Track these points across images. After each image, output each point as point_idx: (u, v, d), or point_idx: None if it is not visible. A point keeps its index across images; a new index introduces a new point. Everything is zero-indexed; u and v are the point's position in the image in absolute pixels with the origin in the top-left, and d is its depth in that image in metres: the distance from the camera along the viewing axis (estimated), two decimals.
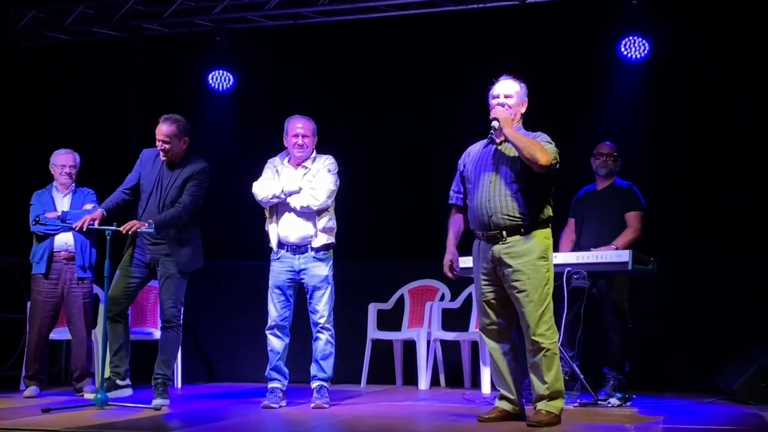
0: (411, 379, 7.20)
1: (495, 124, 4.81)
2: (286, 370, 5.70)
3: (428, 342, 7.05)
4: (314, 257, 5.63)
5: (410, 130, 7.88)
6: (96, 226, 5.61)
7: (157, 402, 5.49)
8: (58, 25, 8.33)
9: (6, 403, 5.82)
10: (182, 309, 5.85)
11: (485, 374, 6.54)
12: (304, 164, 5.70)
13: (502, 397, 4.92)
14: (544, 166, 4.65)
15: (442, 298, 7.34)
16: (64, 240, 6.37)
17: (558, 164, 4.76)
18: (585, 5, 7.33)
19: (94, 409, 5.26)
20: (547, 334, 4.69)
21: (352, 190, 6.22)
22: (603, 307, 6.13)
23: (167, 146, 5.73)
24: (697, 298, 6.89)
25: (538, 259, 4.71)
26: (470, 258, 4.98)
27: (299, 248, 5.63)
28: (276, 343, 5.64)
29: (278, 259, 5.68)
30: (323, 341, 5.65)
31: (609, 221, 6.20)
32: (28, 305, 6.55)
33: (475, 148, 5.00)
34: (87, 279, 6.43)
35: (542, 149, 4.67)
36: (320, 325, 5.64)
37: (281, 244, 5.67)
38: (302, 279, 5.66)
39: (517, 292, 4.72)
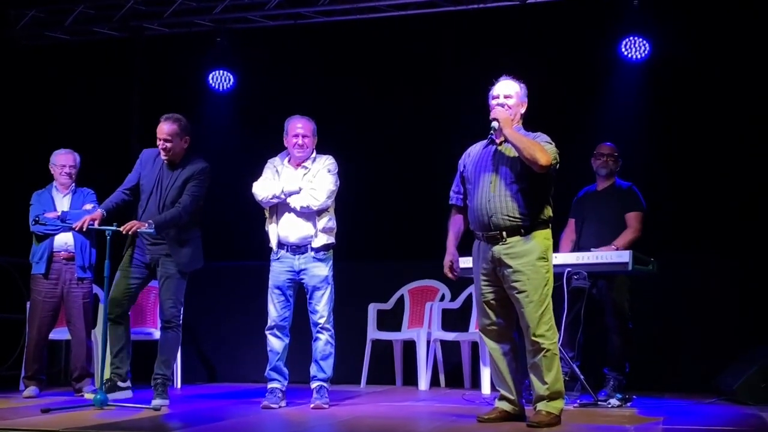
0: (411, 379, 7.19)
1: (495, 124, 4.81)
2: (285, 370, 5.69)
3: (428, 342, 7.05)
4: (314, 257, 5.63)
5: (410, 130, 7.88)
6: (96, 226, 5.61)
7: (156, 402, 5.49)
8: (58, 24, 8.33)
9: (5, 403, 5.82)
10: (182, 309, 5.85)
11: (485, 375, 6.54)
12: (304, 164, 5.70)
13: (502, 398, 4.92)
14: (544, 166, 4.65)
15: (442, 298, 7.34)
16: (64, 240, 6.36)
17: (558, 164, 4.76)
18: (585, 5, 7.33)
19: (93, 410, 5.26)
20: (547, 334, 4.69)
21: (352, 190, 6.22)
22: (603, 307, 6.12)
23: (169, 145, 5.73)
24: (697, 299, 6.89)
25: (537, 260, 4.71)
26: (470, 258, 4.98)
27: (299, 248, 5.63)
28: (276, 343, 5.64)
29: (278, 259, 5.68)
30: (323, 341, 5.64)
31: (609, 221, 6.19)
32: (28, 305, 6.55)
33: (475, 149, 5.00)
34: (87, 279, 6.43)
35: (542, 149, 4.66)
36: (320, 326, 5.64)
37: (281, 244, 5.66)
38: (302, 279, 5.65)
39: (517, 293, 4.71)
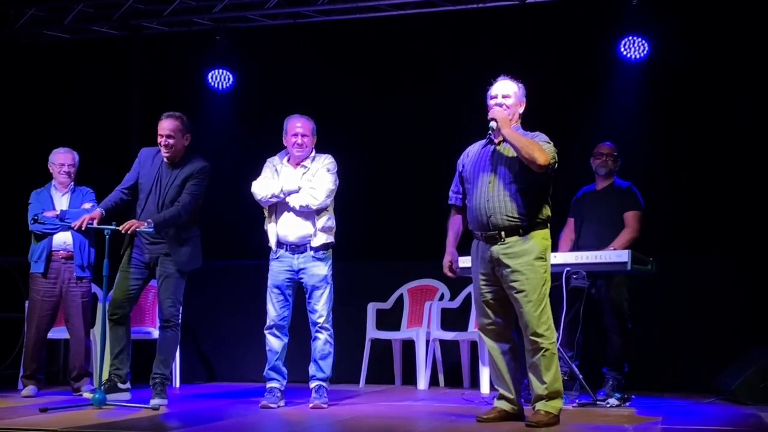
0: (410, 378, 7.19)
1: (493, 124, 4.81)
2: (284, 369, 5.69)
3: (427, 342, 7.04)
4: (313, 257, 5.62)
5: (410, 130, 7.87)
6: (95, 225, 5.60)
7: (155, 402, 5.48)
8: (58, 23, 8.32)
9: (4, 402, 5.82)
10: (181, 308, 5.84)
11: (484, 374, 6.53)
12: (303, 163, 5.69)
13: (501, 397, 4.92)
14: (543, 165, 4.65)
15: (442, 297, 7.34)
16: (63, 239, 6.36)
17: (556, 164, 4.76)
18: (585, 5, 7.32)
19: (92, 409, 5.25)
20: (545, 334, 4.69)
21: (352, 189, 6.21)
22: (602, 307, 6.12)
23: (171, 141, 5.72)
24: (697, 299, 6.89)
25: (535, 260, 4.71)
26: (470, 258, 4.98)
27: (298, 248, 5.62)
28: (275, 342, 5.63)
29: (277, 258, 5.67)
30: (322, 341, 5.64)
31: (608, 221, 6.19)
32: (26, 304, 6.55)
33: (474, 149, 5.00)
34: (85, 278, 6.42)
35: (540, 149, 4.66)
36: (319, 325, 5.63)
37: (280, 244, 5.66)
38: (301, 278, 5.65)
39: (515, 293, 4.71)
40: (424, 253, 6.90)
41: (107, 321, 5.64)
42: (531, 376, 4.76)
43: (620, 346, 6.08)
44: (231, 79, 8.24)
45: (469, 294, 7.01)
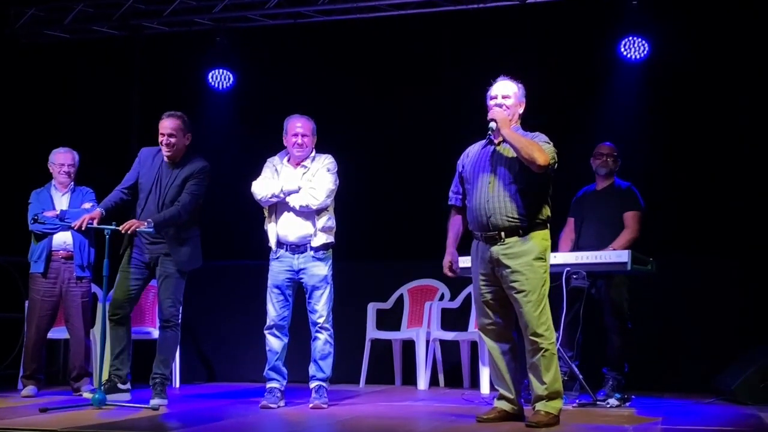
0: (410, 379, 7.19)
1: (492, 125, 4.80)
2: (284, 370, 5.68)
3: (427, 342, 7.04)
4: (313, 257, 5.62)
5: (410, 130, 7.87)
6: (95, 225, 5.60)
7: (155, 402, 5.48)
8: (58, 23, 8.32)
9: (3, 402, 5.82)
10: (181, 308, 5.84)
11: (484, 374, 6.53)
12: (303, 163, 5.69)
13: (501, 397, 4.92)
14: (542, 166, 4.65)
15: (442, 297, 7.33)
16: (63, 239, 6.36)
17: (556, 164, 4.76)
18: (585, 5, 7.32)
19: (91, 409, 5.25)
20: (545, 334, 4.69)
21: (352, 189, 6.21)
22: (602, 307, 6.12)
23: (173, 140, 5.72)
24: (697, 299, 6.88)
25: (535, 260, 4.71)
26: (470, 258, 4.98)
27: (298, 248, 5.62)
28: (274, 342, 5.63)
29: (277, 258, 5.67)
30: (322, 341, 5.63)
31: (608, 221, 6.19)
32: (26, 304, 6.54)
33: (474, 149, 5.00)
34: (85, 278, 6.42)
35: (540, 149, 4.66)
36: (319, 325, 5.63)
37: (280, 244, 5.66)
38: (301, 278, 5.65)
39: (515, 293, 4.71)
40: (424, 253, 6.90)
41: (108, 321, 5.64)
42: (531, 377, 4.75)
43: (620, 346, 6.08)
44: (231, 79, 8.25)
45: (470, 294, 7.00)
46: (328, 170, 5.67)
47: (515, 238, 4.72)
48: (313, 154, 5.73)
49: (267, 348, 5.65)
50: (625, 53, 7.33)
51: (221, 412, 5.47)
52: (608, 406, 5.62)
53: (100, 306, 6.15)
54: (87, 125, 8.13)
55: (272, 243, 5.67)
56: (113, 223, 5.54)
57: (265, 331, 5.65)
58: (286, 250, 5.64)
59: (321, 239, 5.62)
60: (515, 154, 4.72)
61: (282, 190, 5.59)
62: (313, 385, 5.65)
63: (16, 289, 7.38)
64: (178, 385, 7.08)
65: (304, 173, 5.66)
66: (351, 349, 7.13)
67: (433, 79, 7.87)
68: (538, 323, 4.68)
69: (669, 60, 7.26)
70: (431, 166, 6.87)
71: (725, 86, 7.16)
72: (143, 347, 6.57)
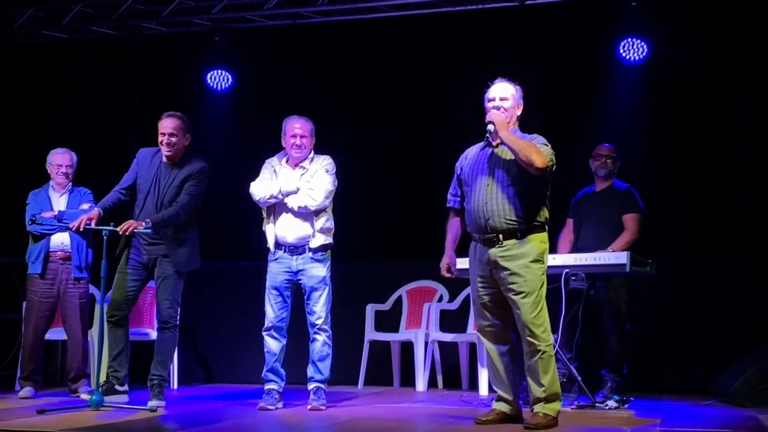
0: (408, 380, 7.18)
1: (490, 127, 4.80)
2: (282, 371, 5.67)
3: (426, 343, 7.03)
4: (312, 258, 5.61)
5: (409, 131, 7.87)
6: (93, 226, 5.59)
7: (152, 403, 5.47)
8: (57, 23, 8.32)
9: (1, 403, 5.81)
10: (179, 309, 5.83)
11: (483, 376, 6.52)
12: (301, 164, 5.68)
13: (500, 399, 4.91)
14: (540, 168, 4.64)
15: (440, 299, 7.33)
16: (61, 240, 6.34)
17: (554, 166, 4.75)
18: (583, 6, 7.32)
19: (89, 411, 5.24)
20: (543, 336, 4.68)
21: (351, 190, 6.20)
22: (601, 308, 6.11)
23: (174, 139, 5.71)
24: (696, 300, 6.88)
25: (532, 262, 4.70)
26: (467, 259, 4.97)
27: (297, 249, 5.61)
28: (273, 344, 5.62)
29: (276, 259, 5.66)
30: (320, 342, 5.62)
31: (607, 223, 6.18)
32: (24, 305, 6.54)
33: (472, 151, 4.99)
34: (83, 279, 6.41)
35: (538, 152, 4.65)
36: (317, 327, 5.62)
37: (279, 245, 5.65)
38: (300, 280, 5.63)
39: (513, 295, 4.70)
40: (422, 255, 6.87)
41: (106, 322, 5.63)
42: (529, 379, 4.74)
43: (619, 347, 6.08)
44: (230, 79, 8.24)
45: (468, 296, 6.98)
46: (327, 171, 5.66)
47: (513, 241, 4.71)
48: (311, 155, 5.72)
49: (265, 349, 5.64)
50: (624, 54, 7.33)
51: (219, 414, 5.46)
52: (607, 407, 5.62)
53: (98, 307, 6.14)
54: (86, 126, 8.12)
55: (270, 244, 5.66)
56: (111, 223, 5.53)
57: (264, 333, 5.64)
58: (285, 252, 5.63)
59: (319, 240, 5.61)
60: (513, 157, 4.71)
61: (280, 191, 5.58)
62: (311, 386, 5.64)
63: (14, 290, 7.38)
64: (176, 387, 7.07)
65: (302, 174, 5.65)
66: (349, 350, 7.12)
67: (432, 80, 7.86)
68: (536, 325, 4.67)
69: (668, 61, 7.26)
70: (430, 167, 6.85)
71: (725, 87, 7.16)
72: (141, 348, 6.56)
